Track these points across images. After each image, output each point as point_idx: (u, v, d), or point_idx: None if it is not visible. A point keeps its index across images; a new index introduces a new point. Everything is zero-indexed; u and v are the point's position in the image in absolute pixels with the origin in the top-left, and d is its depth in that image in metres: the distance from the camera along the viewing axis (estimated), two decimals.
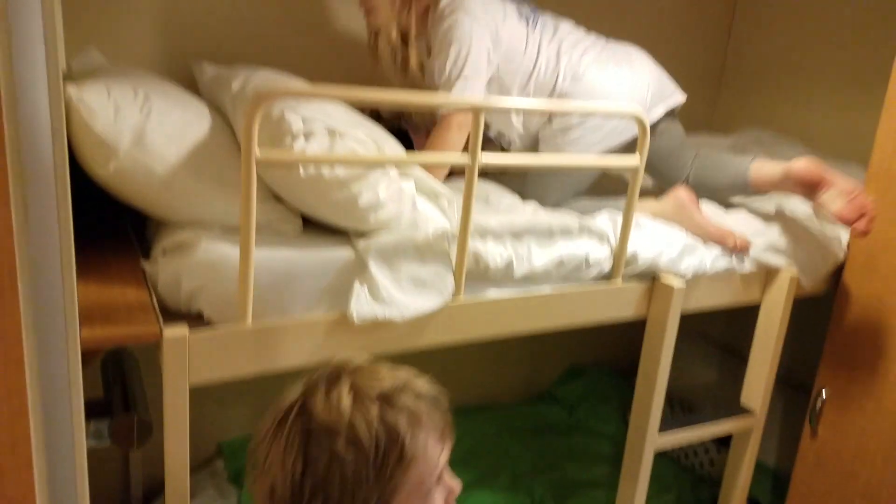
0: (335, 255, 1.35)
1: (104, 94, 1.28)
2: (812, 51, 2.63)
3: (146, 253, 1.39)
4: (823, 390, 1.95)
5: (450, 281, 1.40)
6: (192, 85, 1.75)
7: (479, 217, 1.52)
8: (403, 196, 1.41)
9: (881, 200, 1.77)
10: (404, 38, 1.73)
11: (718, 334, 2.80)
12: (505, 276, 1.48)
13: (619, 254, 1.59)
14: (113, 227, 1.57)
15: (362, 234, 1.41)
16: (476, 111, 1.30)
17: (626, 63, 1.81)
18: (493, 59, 1.66)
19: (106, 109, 1.26)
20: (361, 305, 1.29)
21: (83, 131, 1.24)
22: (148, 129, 1.28)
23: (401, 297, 1.33)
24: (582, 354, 3.00)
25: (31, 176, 0.88)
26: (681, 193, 1.71)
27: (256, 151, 1.13)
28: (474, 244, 1.43)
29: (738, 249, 1.70)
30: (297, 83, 1.57)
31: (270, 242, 1.33)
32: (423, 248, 1.39)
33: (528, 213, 1.71)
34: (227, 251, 1.26)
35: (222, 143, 1.39)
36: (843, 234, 1.89)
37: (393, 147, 1.45)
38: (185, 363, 1.18)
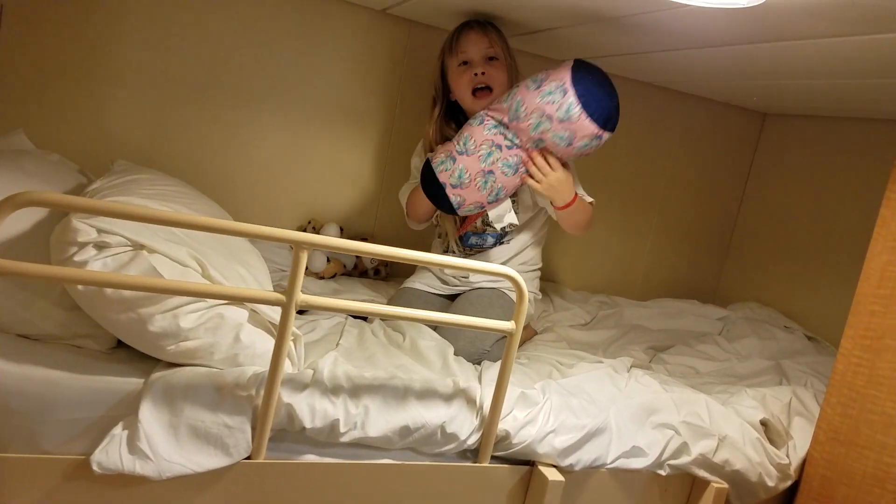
0: (117, 384, 1.15)
1: None
2: (814, 232, 2.40)
3: None
4: None
5: (246, 437, 1.16)
6: None
7: (323, 362, 1.31)
8: (223, 326, 1.21)
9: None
10: None
11: None
12: (329, 438, 1.23)
13: (487, 428, 1.31)
14: None
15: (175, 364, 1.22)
16: (297, 245, 1.12)
17: None
18: None
19: None
20: (109, 453, 1.07)
21: None
22: None
23: (166, 449, 1.10)
24: None
25: None
26: None
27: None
28: (291, 395, 1.20)
29: None
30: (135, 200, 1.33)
31: (49, 359, 1.15)
32: (224, 392, 1.17)
33: (406, 365, 1.47)
34: None
35: None
36: (795, 456, 1.54)
37: (230, 271, 1.28)
38: None
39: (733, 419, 1.53)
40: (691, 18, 1.40)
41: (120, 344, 1.26)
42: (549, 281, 2.51)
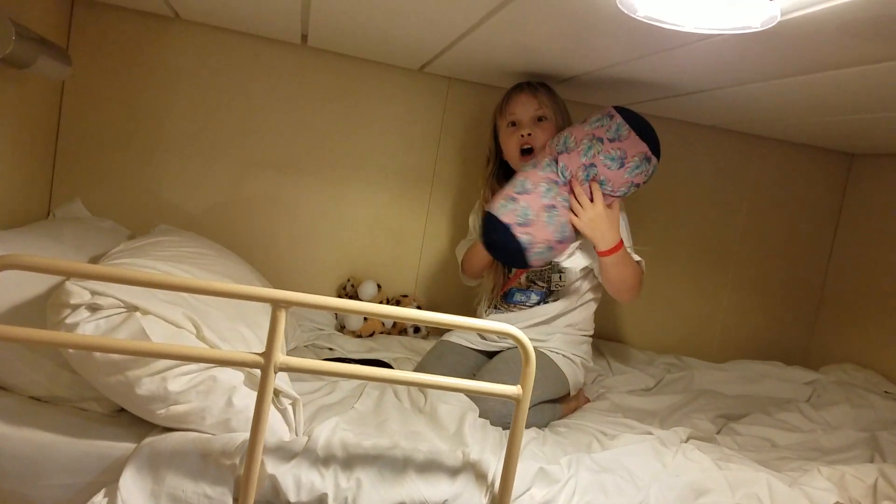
0: (109, 449, 1.14)
1: None
2: None
3: None
4: None
5: None
6: None
7: (321, 429, 1.24)
8: (215, 389, 1.18)
9: None
10: None
11: None
12: None
13: None
14: None
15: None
16: (276, 304, 1.07)
17: None
18: None
19: None
20: None
21: None
22: None
23: None
24: None
25: None
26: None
27: None
28: (277, 466, 1.13)
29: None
30: (142, 264, 1.35)
31: (49, 422, 1.16)
32: (209, 460, 1.13)
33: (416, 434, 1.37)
34: None
35: None
36: None
37: (232, 332, 1.26)
38: None
39: (800, 503, 1.31)
40: (728, 49, 1.28)
41: (123, 408, 1.25)
42: (610, 340, 2.34)
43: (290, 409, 1.29)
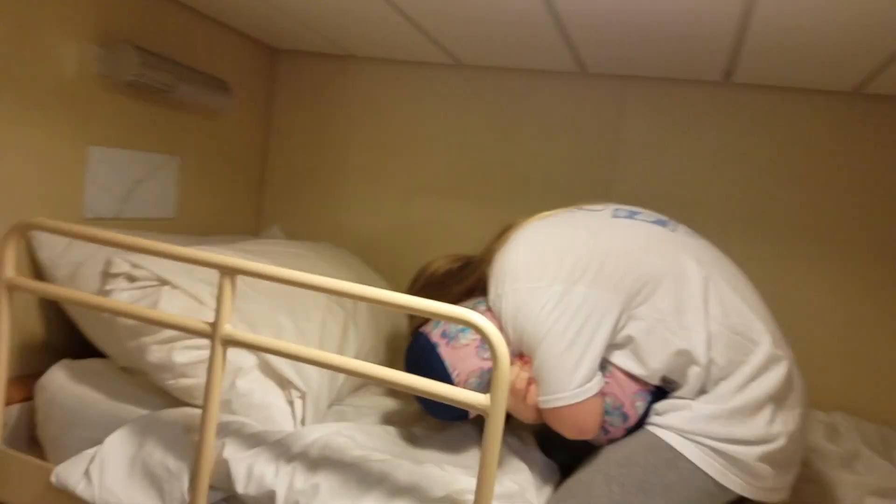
0: (130, 413, 1.20)
1: None
2: None
3: None
4: None
5: (182, 486, 1.05)
6: None
7: (323, 427, 1.13)
8: (225, 367, 1.17)
9: None
10: None
11: None
12: None
13: None
14: None
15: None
16: (224, 271, 1.02)
17: None
18: None
19: None
20: (70, 469, 1.09)
21: None
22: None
23: (114, 480, 1.06)
24: None
25: None
26: None
27: (7, 277, 1.14)
28: (235, 451, 1.05)
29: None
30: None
31: (107, 386, 1.28)
32: (188, 435, 1.10)
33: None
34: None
35: None
36: None
37: (268, 318, 1.24)
38: None
39: None
40: None
41: None
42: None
43: (298, 402, 1.20)
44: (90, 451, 1.12)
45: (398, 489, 1.00)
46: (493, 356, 0.88)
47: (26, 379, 1.35)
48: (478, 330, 0.88)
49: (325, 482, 1.00)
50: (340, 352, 1.39)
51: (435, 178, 2.08)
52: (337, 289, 0.96)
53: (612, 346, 1.11)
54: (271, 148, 2.24)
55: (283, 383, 1.21)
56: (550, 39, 1.61)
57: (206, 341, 1.17)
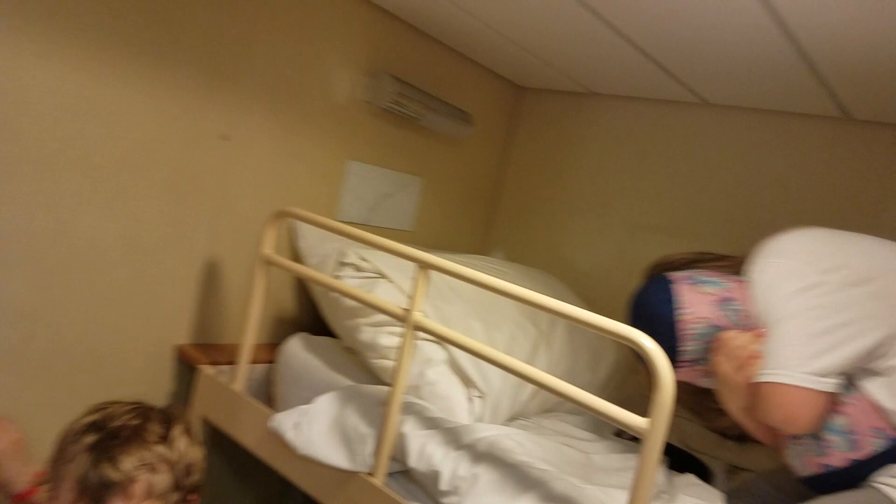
0: (342, 382, 1.38)
1: None
2: None
3: None
4: None
5: (367, 448, 1.17)
6: None
7: (501, 428, 1.18)
8: (416, 355, 1.29)
9: None
10: None
11: None
12: (433, 494, 1.09)
13: None
14: None
15: None
16: (422, 265, 1.13)
17: None
18: None
19: None
20: (285, 418, 1.28)
21: None
22: None
23: (317, 433, 1.23)
24: None
25: None
26: None
27: (265, 253, 1.38)
28: (413, 428, 1.15)
29: None
30: None
31: (329, 358, 1.48)
32: (380, 408, 1.23)
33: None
34: None
35: None
36: None
37: (462, 320, 1.35)
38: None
39: None
40: None
41: None
42: None
43: (477, 400, 1.27)
44: (303, 407, 1.31)
45: (552, 498, 1.00)
46: (656, 378, 0.86)
47: (275, 346, 1.62)
48: (643, 351, 0.87)
49: (486, 475, 1.05)
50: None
51: (664, 216, 2.03)
52: (515, 293, 1.02)
53: (869, 371, 1.01)
54: (506, 176, 2.39)
55: (467, 381, 1.29)
56: (803, 81, 1.50)
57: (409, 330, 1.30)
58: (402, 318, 1.14)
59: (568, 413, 1.54)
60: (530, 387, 1.39)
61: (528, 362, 1.44)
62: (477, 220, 2.35)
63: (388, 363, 1.32)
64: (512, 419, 1.41)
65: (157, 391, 1.53)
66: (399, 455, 1.16)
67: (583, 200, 2.20)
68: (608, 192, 2.15)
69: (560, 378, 1.51)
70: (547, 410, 1.52)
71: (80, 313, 1.35)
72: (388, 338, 1.32)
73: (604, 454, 1.32)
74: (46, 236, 1.27)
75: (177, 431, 0.98)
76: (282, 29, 1.55)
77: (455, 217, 2.23)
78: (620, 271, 2.09)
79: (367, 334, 1.35)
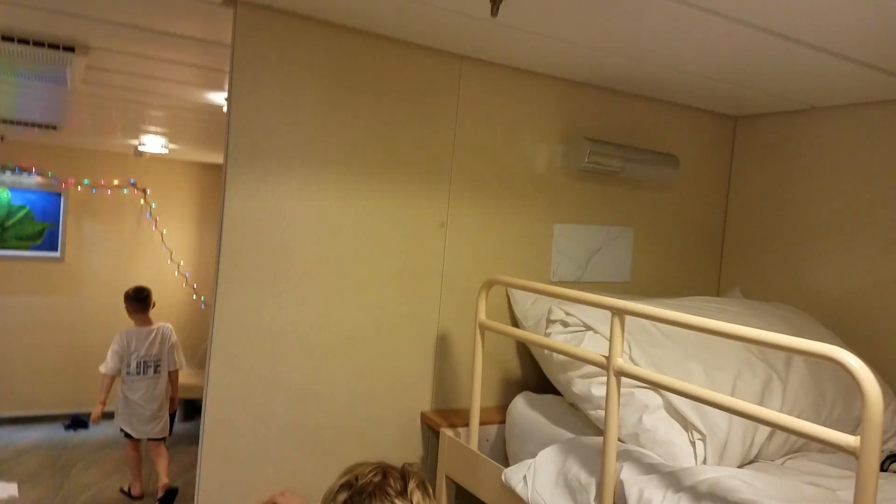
0: (562, 436, 1.43)
1: None
2: None
3: None
4: None
5: (589, 497, 1.20)
6: None
7: (715, 470, 1.15)
8: (630, 404, 1.31)
9: None
10: None
11: None
12: None
13: None
14: None
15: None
16: (617, 312, 1.16)
17: None
18: None
19: None
20: (514, 472, 1.36)
21: None
22: None
23: (542, 485, 1.29)
24: None
25: None
26: None
27: (480, 320, 1.51)
28: (630, 473, 1.15)
29: None
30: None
31: (553, 414, 1.56)
32: (598, 457, 1.26)
33: None
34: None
35: None
36: None
37: (678, 364, 1.34)
38: None
39: None
40: None
41: None
42: None
43: (700, 443, 1.23)
44: (529, 461, 1.39)
45: None
46: (863, 396, 0.79)
47: (506, 407, 1.74)
48: (845, 368, 0.82)
49: None
50: (759, 405, 1.35)
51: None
52: (712, 328, 1.01)
53: None
54: (730, 211, 2.28)
55: (686, 425, 1.26)
56: None
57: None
58: (603, 366, 1.18)
59: (818, 452, 1.39)
60: (765, 427, 1.31)
61: (760, 399, 1.37)
62: (704, 260, 2.27)
63: (604, 413, 1.35)
64: (750, 462, 1.33)
65: (410, 454, 1.72)
66: (620, 501, 1.17)
67: (819, 221, 2.01)
68: (849, 208, 1.94)
69: (799, 415, 1.41)
70: (794, 451, 1.40)
71: (342, 389, 1.61)
72: (600, 388, 1.35)
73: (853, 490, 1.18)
74: (313, 327, 1.56)
75: (412, 485, 1.12)
76: (481, 121, 1.76)
77: (676, 261, 2.19)
78: (876, 290, 1.85)
79: (580, 386, 1.40)
